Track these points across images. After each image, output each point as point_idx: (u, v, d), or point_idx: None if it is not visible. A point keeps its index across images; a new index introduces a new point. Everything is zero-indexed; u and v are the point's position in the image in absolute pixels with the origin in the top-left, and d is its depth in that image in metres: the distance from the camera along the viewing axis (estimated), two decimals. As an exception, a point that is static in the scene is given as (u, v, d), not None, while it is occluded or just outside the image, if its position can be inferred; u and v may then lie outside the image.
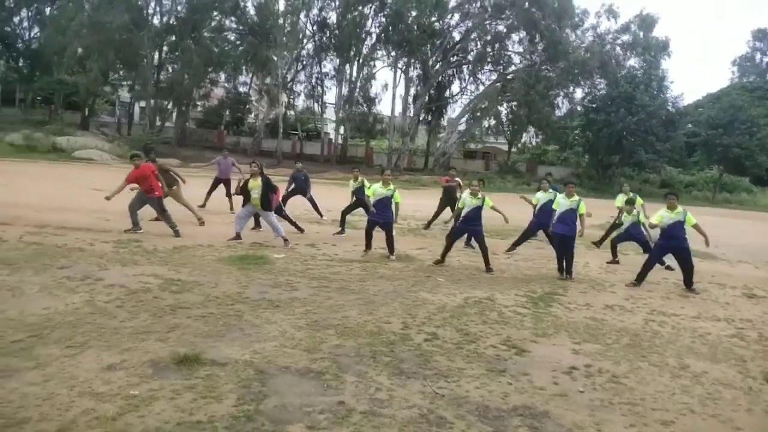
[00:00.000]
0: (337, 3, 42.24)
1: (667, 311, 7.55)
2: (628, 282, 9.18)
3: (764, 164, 43.91)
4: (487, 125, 51.30)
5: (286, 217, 11.76)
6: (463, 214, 9.69)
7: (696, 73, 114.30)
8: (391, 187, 10.15)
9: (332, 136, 50.76)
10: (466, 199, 9.61)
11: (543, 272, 9.66)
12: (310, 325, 5.74)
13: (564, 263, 9.30)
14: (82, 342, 4.79)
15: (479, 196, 9.51)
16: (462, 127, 49.08)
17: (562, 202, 9.41)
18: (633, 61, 46.86)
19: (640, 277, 9.15)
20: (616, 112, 40.57)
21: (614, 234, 11.67)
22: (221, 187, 14.59)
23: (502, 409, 4.13)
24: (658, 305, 7.89)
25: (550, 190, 11.46)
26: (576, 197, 9.43)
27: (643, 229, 10.80)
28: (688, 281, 9.08)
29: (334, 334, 5.52)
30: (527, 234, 11.54)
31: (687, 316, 7.37)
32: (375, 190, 10.14)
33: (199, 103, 49.97)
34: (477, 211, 9.50)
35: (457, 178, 14.14)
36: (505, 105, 48.28)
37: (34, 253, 7.96)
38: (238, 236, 10.19)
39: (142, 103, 46.96)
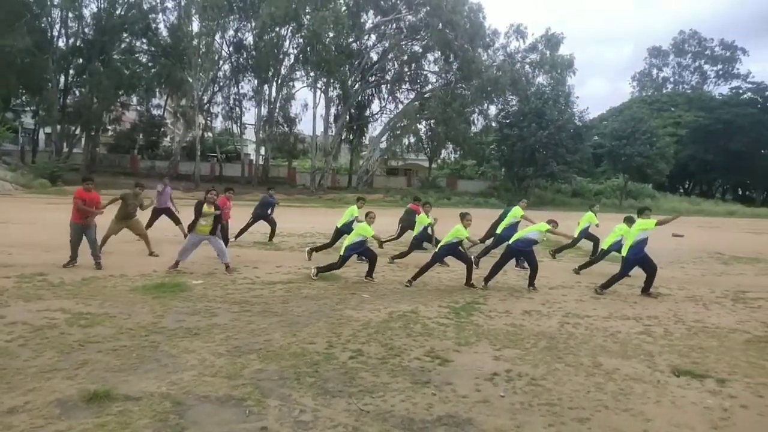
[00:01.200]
0: (253, 24, 41.90)
1: (580, 313, 7.92)
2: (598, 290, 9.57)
3: (664, 171, 47.34)
4: (407, 143, 52.56)
5: (225, 240, 11.47)
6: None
7: (598, 88, 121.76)
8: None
9: (253, 157, 50.04)
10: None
11: (464, 282, 9.87)
12: (230, 351, 5.57)
13: (493, 274, 9.67)
14: (-21, 386, 4.43)
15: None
16: (383, 145, 49.86)
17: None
18: (541, 79, 49.66)
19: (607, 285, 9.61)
20: (528, 127, 42.54)
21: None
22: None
23: (426, 420, 4.17)
24: (573, 308, 8.26)
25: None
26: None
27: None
28: (649, 286, 9.55)
29: (257, 358, 5.38)
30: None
31: (599, 317, 7.75)
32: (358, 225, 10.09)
33: (109, 127, 47.97)
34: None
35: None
36: (423, 123, 49.66)
37: None
38: (176, 265, 9.75)
39: (48, 129, 44.45)
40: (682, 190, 62.47)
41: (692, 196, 56.63)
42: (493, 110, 49.73)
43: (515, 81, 45.29)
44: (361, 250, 9.70)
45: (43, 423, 3.84)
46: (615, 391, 4.96)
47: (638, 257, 9.50)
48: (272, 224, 14.44)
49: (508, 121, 46.01)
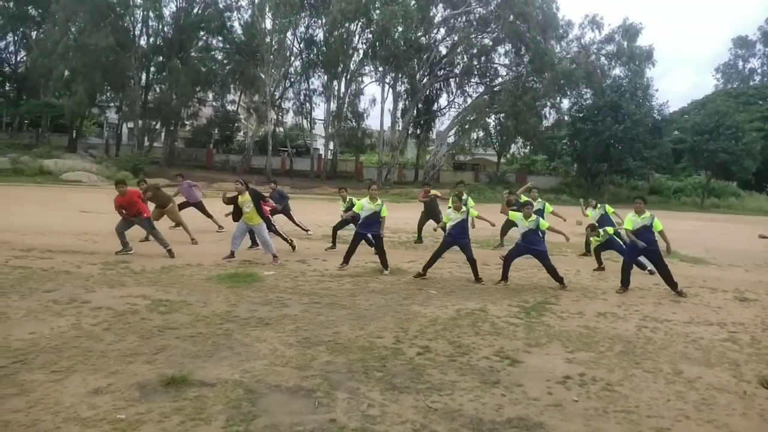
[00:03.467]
0: (324, 20, 42.51)
1: (659, 317, 7.54)
2: (619, 289, 9.19)
3: (750, 169, 44.24)
4: (475, 137, 51.80)
5: (277, 233, 11.69)
6: (448, 228, 9.78)
7: (681, 81, 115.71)
8: (379, 201, 10.09)
9: (322, 151, 50.91)
10: (450, 214, 9.64)
11: (534, 281, 9.63)
12: (300, 342, 5.67)
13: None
14: (68, 366, 4.70)
15: (463, 210, 9.55)
16: (451, 140, 49.45)
17: (519, 224, 9.46)
18: (618, 71, 47.69)
19: (625, 282, 9.21)
20: (602, 121, 40.99)
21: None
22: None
23: (496, 422, 4.07)
24: (650, 311, 7.87)
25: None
26: (534, 217, 9.40)
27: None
28: (670, 283, 9.06)
29: (325, 350, 5.45)
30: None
31: (679, 321, 7.36)
32: (363, 205, 10.11)
33: (187, 122, 50.03)
34: (462, 224, 9.52)
35: (433, 192, 13.97)
36: (492, 117, 48.73)
37: (19, 277, 7.86)
38: (232, 255, 10.13)
39: (130, 124, 46.95)
40: (770, 189, 58.38)
41: (782, 196, 52.70)
42: (566, 103, 48.28)
43: (590, 73, 43.70)
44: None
45: (124, 405, 4.02)
46: (697, 400, 4.69)
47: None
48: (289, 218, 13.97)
49: (581, 115, 44.51)
